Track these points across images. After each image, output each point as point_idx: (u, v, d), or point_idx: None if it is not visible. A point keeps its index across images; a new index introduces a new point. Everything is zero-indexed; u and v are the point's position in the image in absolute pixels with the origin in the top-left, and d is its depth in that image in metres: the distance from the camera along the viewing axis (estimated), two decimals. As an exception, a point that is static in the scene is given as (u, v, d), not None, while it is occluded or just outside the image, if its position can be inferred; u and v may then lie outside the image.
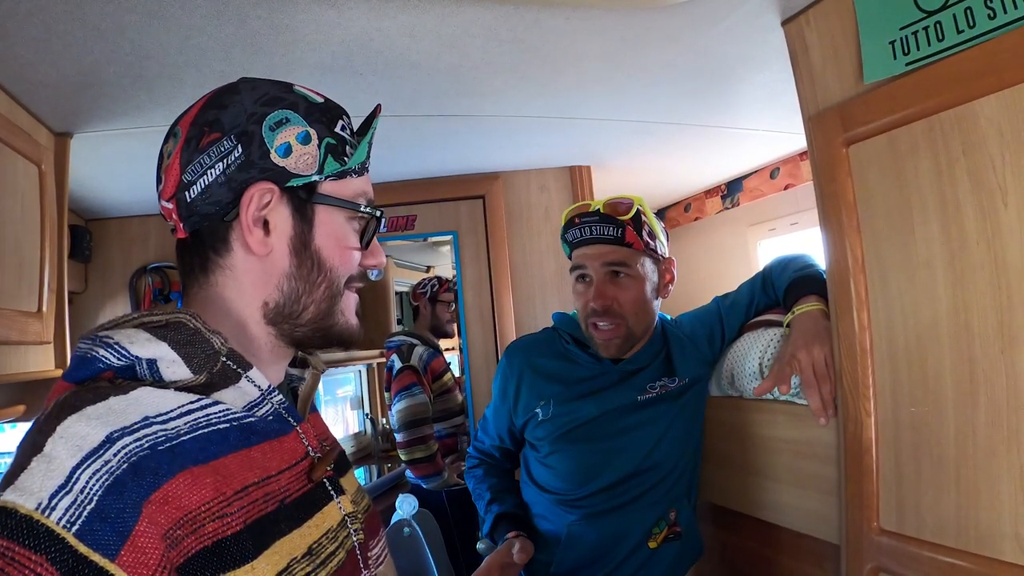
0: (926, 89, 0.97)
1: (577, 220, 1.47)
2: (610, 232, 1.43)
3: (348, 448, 3.47)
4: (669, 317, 1.64)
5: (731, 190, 2.85)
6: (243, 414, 0.69)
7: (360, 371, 3.86)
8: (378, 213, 0.81)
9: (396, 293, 3.61)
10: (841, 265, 1.14)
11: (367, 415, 3.90)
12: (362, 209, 0.79)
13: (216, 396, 0.68)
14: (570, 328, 1.56)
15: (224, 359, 0.71)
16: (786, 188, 2.51)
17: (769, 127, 2.01)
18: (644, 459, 1.44)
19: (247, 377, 0.72)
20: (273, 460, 0.70)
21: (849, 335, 1.14)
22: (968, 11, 0.91)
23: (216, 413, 0.66)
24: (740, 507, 1.58)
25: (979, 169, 0.91)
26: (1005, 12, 0.87)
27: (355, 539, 0.77)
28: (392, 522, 2.47)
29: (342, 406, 3.72)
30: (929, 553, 1.00)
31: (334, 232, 0.78)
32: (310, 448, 0.76)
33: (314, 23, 1.19)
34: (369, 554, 0.81)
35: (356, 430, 3.78)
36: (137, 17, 1.12)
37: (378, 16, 1.19)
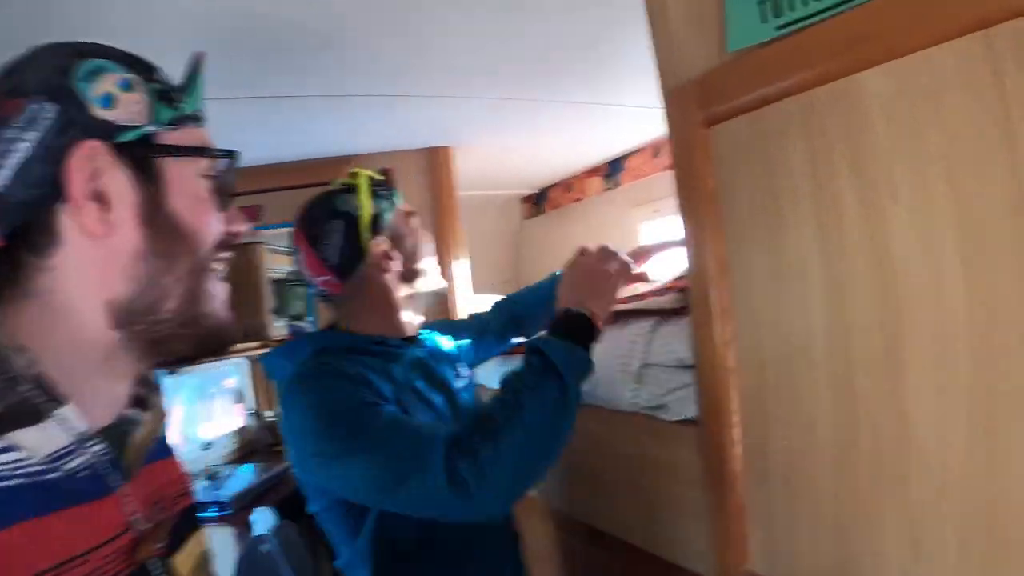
0: (800, 59, 0.80)
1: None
2: None
3: (233, 445, 3.26)
4: None
5: (612, 169, 2.75)
6: (44, 467, 0.53)
7: (241, 364, 3.66)
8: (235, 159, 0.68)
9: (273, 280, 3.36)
10: (700, 268, 0.98)
11: (252, 410, 3.71)
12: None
13: (10, 437, 0.51)
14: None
15: (28, 386, 0.53)
16: (670, 168, 2.40)
17: (643, 103, 1.87)
18: None
19: (56, 416, 0.54)
20: (80, 535, 0.54)
21: (709, 350, 0.98)
22: (850, -38, 0.74)
23: (6, 464, 0.50)
24: (609, 528, 1.42)
25: (862, 157, 0.74)
26: (894, -36, 0.70)
27: None
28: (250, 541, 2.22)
29: (228, 398, 3.53)
30: (805, 607, 0.86)
31: (189, 189, 0.63)
32: (134, 518, 0.59)
33: None
34: None
35: (241, 425, 3.59)
36: None
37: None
